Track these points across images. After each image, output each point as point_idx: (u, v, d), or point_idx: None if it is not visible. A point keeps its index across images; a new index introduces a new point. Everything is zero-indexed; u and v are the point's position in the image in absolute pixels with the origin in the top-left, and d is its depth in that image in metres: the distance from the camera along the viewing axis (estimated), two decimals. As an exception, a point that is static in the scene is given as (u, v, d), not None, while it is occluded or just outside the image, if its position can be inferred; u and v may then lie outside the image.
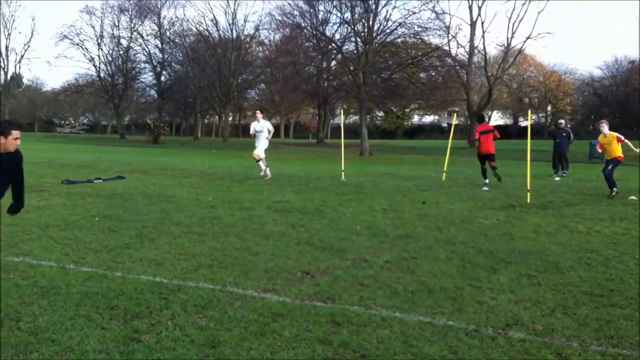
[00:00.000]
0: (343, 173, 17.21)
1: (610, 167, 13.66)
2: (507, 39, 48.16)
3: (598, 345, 4.43)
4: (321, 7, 44.88)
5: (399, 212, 10.58)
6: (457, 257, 7.15)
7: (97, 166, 20.08)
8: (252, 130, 16.92)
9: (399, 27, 40.42)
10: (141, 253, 7.05)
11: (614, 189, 13.35)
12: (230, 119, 70.36)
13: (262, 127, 16.64)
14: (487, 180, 14.89)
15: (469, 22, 46.15)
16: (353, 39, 42.21)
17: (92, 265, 6.43)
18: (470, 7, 47.12)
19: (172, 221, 9.20)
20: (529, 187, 12.64)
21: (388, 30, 40.58)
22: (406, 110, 68.50)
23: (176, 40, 60.96)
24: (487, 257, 7.18)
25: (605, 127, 14.32)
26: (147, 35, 62.56)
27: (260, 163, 16.56)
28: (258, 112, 18.30)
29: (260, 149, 16.45)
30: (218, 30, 58.28)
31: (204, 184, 14.83)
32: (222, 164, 23.61)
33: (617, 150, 13.94)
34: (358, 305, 5.24)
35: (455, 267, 6.68)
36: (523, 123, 79.79)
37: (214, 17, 75.73)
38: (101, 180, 14.63)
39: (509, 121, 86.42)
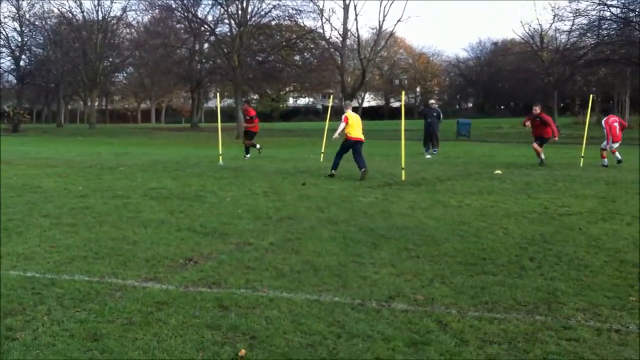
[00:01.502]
0: (220, 157, 16.99)
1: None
2: (379, 22, 49.62)
3: (475, 311, 4.66)
4: (192, -12, 43.83)
5: (280, 195, 10.60)
6: (339, 235, 7.27)
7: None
8: None
9: (273, 9, 40.37)
10: (8, 248, 6.57)
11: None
12: (96, 104, 67.21)
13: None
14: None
15: (342, 6, 46.82)
16: (227, 21, 41.64)
17: (-48, 264, 5.91)
18: (342, -10, 47.85)
19: (41, 213, 8.65)
20: (403, 166, 13.10)
21: (262, 13, 40.41)
22: (281, 92, 68.64)
23: (36, 22, 57.14)
24: (367, 234, 7.35)
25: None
26: (4, 17, 58.29)
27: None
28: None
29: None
30: (82, 12, 55.31)
31: (72, 172, 14.07)
32: (90, 152, 22.53)
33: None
34: (245, 288, 5.19)
35: (338, 245, 6.79)
36: (395, 104, 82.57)
37: (78, -3, 71.77)
38: (-43, 172, 13.47)
39: (381, 102, 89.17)
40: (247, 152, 18.83)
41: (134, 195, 10.35)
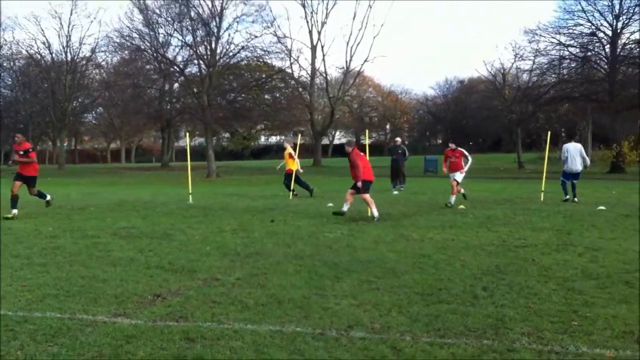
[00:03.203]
0: (190, 196, 17.20)
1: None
2: (346, 62, 50.56)
3: (427, 337, 4.97)
4: (162, 30, 44.45)
5: (248, 232, 10.86)
6: (304, 269, 7.55)
7: None
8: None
9: (242, 50, 41.06)
10: (-21, 288, 6.71)
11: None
12: (65, 144, 66.89)
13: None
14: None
15: (310, 46, 47.86)
16: (196, 61, 42.15)
17: None
18: (310, 32, 49.00)
19: (11, 254, 8.78)
20: (368, 202, 13.44)
21: (231, 54, 41.06)
22: (252, 131, 69.17)
23: (4, 64, 57.03)
24: (331, 267, 7.65)
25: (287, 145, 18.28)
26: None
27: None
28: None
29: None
30: (51, 54, 55.46)
31: (42, 213, 14.15)
32: (59, 192, 22.46)
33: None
34: (211, 322, 5.43)
35: (303, 278, 7.07)
36: (365, 141, 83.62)
37: (47, 39, 71.73)
38: None
39: (351, 139, 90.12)
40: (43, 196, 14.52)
41: (104, 235, 10.51)
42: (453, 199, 14.90)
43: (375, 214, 12.46)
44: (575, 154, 16.21)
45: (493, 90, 51.97)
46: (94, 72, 60.19)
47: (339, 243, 9.55)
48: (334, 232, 10.71)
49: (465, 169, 15.48)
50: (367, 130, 15.78)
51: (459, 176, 15.31)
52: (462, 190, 15.85)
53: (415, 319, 5.47)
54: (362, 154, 13.24)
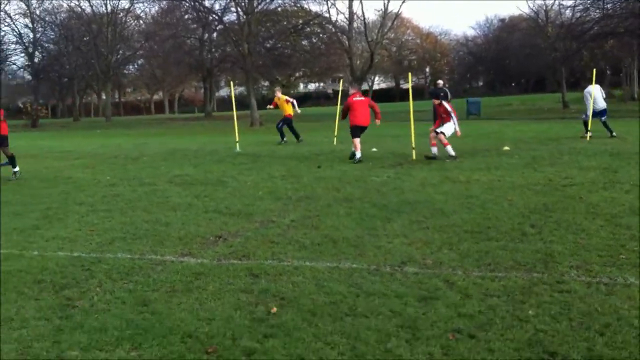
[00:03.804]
0: (237, 144, 17.57)
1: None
2: (384, 4, 49.80)
3: (478, 272, 5.21)
4: (199, -23, 44.24)
5: (297, 177, 11.17)
6: (354, 211, 7.83)
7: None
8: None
9: (279, -5, 40.72)
10: (52, 232, 7.20)
11: None
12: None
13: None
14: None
15: (347, -12, 47.10)
16: (233, 9, 42.06)
17: (6, 247, 6.54)
18: (347, -26, 48.05)
19: (75, 201, 9.29)
20: (413, 145, 13.61)
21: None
22: (291, 78, 69.07)
23: (47, 18, 57.83)
24: (381, 209, 7.91)
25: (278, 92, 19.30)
26: (15, 14, 59.05)
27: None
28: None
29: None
30: (91, 6, 55.95)
31: (98, 163, 14.74)
32: (110, 143, 23.21)
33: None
34: (271, 260, 5.77)
35: (354, 220, 7.36)
36: (405, 85, 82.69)
37: (86, -9, 72.34)
38: (-11, 167, 14.14)
39: (391, 84, 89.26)
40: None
41: (160, 182, 10.97)
42: (449, 149, 13.27)
43: (358, 155, 13.31)
44: (598, 94, 16.89)
45: (535, 28, 50.50)
46: (133, 23, 60.65)
47: (386, 186, 9.79)
48: (380, 176, 10.93)
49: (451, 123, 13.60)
50: (409, 74, 15.72)
51: (447, 127, 13.52)
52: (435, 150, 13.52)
53: (465, 255, 5.71)
54: (357, 99, 13.96)
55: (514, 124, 27.44)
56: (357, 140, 13.54)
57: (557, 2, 45.86)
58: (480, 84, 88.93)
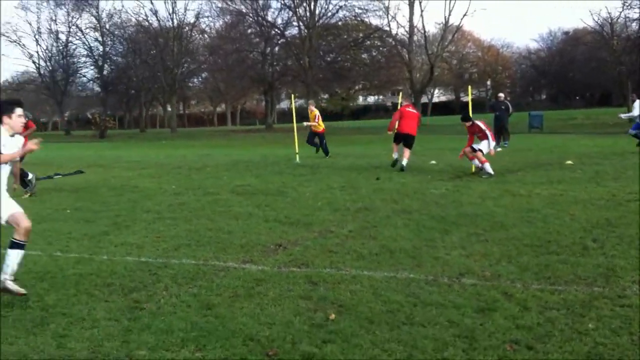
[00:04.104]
0: (297, 156, 17.82)
1: None
2: (445, 17, 49.47)
3: (538, 285, 5.20)
4: (261, -7, 45.17)
5: (356, 189, 11.28)
6: (412, 223, 7.88)
7: (52, 162, 20.12)
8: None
9: (340, 10, 41.19)
10: (121, 239, 7.53)
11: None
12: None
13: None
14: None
15: (407, 2, 47.11)
16: (295, 23, 42.74)
17: (77, 252, 6.87)
18: (408, -13, 48.06)
19: (143, 209, 9.66)
20: (472, 158, 13.51)
21: (329, 14, 41.27)
22: (351, 91, 69.38)
23: (116, 32, 60.08)
24: (439, 221, 7.94)
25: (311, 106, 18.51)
26: (86, 28, 61.55)
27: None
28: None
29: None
30: (158, 20, 57.71)
31: (164, 173, 15.22)
32: (175, 154, 23.87)
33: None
34: (330, 268, 5.90)
35: (412, 231, 7.41)
36: (465, 98, 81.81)
37: (153, 6, 74.84)
38: (61, 176, 14.86)
39: (451, 97, 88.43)
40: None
41: (223, 192, 11.28)
42: (487, 167, 12.76)
43: (395, 156, 14.39)
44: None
45: (600, 41, 49.29)
46: (198, 37, 62.26)
47: (445, 199, 9.78)
48: (439, 189, 10.93)
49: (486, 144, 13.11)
50: (469, 87, 15.64)
51: (484, 145, 13.06)
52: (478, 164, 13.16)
53: (525, 268, 5.69)
54: (409, 110, 14.89)
55: (577, 137, 26.81)
56: (395, 146, 14.52)
57: (623, 15, 44.68)
58: (543, 97, 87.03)
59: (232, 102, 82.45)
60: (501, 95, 22.89)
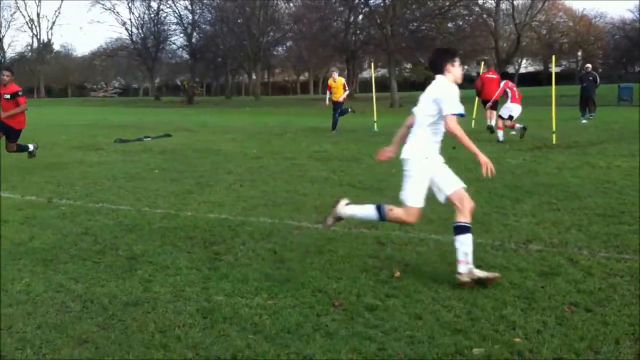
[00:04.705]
0: (375, 124, 17.94)
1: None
2: (536, -16, 47.69)
3: (605, 252, 5.23)
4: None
5: (431, 156, 11.33)
6: (485, 191, 7.95)
7: (142, 126, 21.16)
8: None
9: (426, -23, 40.37)
10: (204, 197, 8.00)
11: None
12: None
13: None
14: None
15: (496, -31, 45.74)
16: (380, -9, 42.30)
17: (164, 208, 7.39)
18: (497, -47, 46.59)
19: (224, 171, 10.15)
20: (554, 129, 13.28)
21: (415, -19, 40.56)
22: (434, 61, 67.89)
23: (205, 0, 61.39)
24: (512, 190, 7.97)
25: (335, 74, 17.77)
26: (177, -3, 63.25)
27: None
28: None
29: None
30: (246, -12, 58.47)
31: (246, 138, 15.76)
32: (258, 121, 24.53)
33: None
34: (398, 231, 6.11)
35: (484, 198, 7.49)
36: (554, 69, 78.68)
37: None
38: (150, 139, 15.66)
39: (539, 67, 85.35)
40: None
41: (300, 157, 11.64)
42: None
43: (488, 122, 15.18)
44: None
45: None
46: (284, 6, 62.72)
47: (521, 168, 9.74)
48: (516, 159, 10.86)
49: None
50: (553, 57, 15.27)
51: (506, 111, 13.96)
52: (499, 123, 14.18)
53: (593, 236, 5.71)
54: (488, 76, 15.93)
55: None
56: (487, 112, 15.38)
57: None
58: (637, 69, 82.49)
59: (315, 71, 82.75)
60: (589, 66, 22.06)
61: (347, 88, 18.01)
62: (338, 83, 17.79)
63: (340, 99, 17.62)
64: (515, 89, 13.98)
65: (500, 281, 4.59)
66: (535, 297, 4.27)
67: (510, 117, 13.56)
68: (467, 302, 4.23)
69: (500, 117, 13.95)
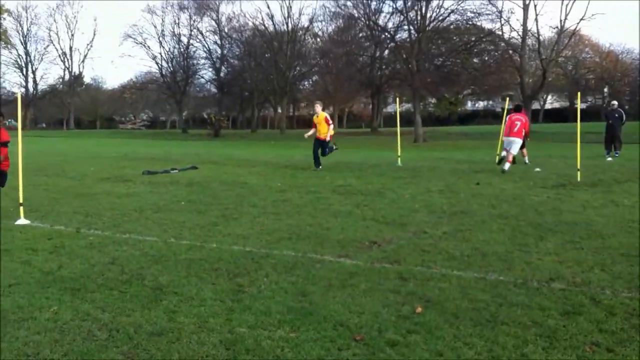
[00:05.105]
0: (399, 158, 18.03)
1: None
2: (561, 21, 47.84)
3: (628, 293, 5.21)
4: (374, -2, 45.53)
5: (454, 192, 11.39)
6: (508, 228, 7.96)
7: (169, 158, 21.50)
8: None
9: (451, 14, 40.75)
10: (229, 229, 8.12)
11: None
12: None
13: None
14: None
15: (522, 6, 45.91)
16: (406, 27, 42.71)
17: (189, 239, 7.51)
18: (522, -9, 46.84)
19: (249, 204, 10.28)
20: (579, 167, 13.24)
21: (441, 18, 40.92)
22: (459, 96, 68.27)
23: (234, 35, 62.63)
24: (535, 228, 7.96)
25: (318, 107, 17.28)
26: (206, 31, 64.75)
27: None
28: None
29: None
30: (274, 24, 59.65)
31: (271, 171, 15.93)
32: (283, 154, 24.75)
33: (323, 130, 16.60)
34: (421, 266, 6.15)
35: (506, 236, 7.50)
36: (580, 105, 78.27)
37: (270, 11, 77.34)
38: (177, 171, 15.92)
39: (565, 103, 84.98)
40: None
41: (324, 191, 11.74)
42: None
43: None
44: None
45: None
46: (311, 41, 63.70)
47: (544, 206, 9.73)
48: (540, 196, 10.83)
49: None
50: (579, 93, 15.32)
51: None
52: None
53: (617, 276, 5.69)
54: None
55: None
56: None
57: None
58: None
59: (340, 105, 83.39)
60: (615, 102, 21.97)
61: (330, 122, 16.92)
62: (320, 118, 16.84)
63: (328, 137, 16.72)
64: (515, 120, 15.79)
65: (522, 319, 4.60)
66: (556, 336, 4.27)
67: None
68: (488, 339, 4.24)
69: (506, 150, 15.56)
